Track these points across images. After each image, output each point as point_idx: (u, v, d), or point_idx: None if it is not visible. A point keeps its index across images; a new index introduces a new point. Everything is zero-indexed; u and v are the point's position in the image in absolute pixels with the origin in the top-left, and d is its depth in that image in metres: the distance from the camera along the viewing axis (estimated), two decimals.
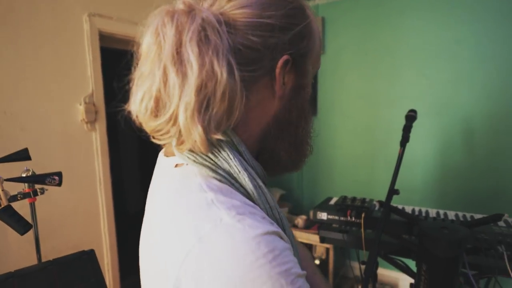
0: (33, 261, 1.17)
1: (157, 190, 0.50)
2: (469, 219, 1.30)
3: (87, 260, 1.05)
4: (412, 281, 1.21)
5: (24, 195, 1.02)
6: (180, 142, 0.43)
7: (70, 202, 1.90)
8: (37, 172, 1.08)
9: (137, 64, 0.44)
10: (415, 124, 1.37)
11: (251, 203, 0.42)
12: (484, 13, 1.99)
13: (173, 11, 0.40)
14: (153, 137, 0.45)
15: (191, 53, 0.38)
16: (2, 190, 0.85)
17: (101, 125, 2.08)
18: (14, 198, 0.96)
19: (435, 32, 2.15)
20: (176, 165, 0.48)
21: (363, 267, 1.17)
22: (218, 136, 0.42)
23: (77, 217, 1.96)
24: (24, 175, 1.03)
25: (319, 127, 2.72)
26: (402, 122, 1.37)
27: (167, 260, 0.39)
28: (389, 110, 2.36)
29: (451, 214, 1.34)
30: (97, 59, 2.06)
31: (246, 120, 0.46)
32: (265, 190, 0.45)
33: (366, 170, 2.52)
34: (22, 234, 0.80)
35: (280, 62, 0.45)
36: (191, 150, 0.44)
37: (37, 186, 1.07)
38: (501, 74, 1.98)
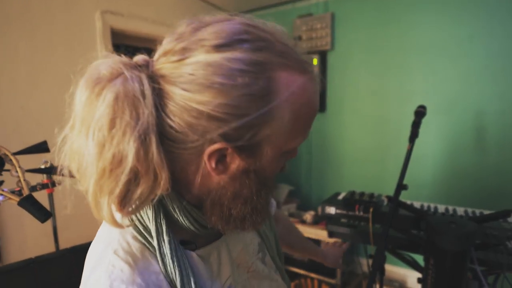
0: (49, 250, 1.21)
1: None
2: (478, 215, 1.30)
3: None
4: (420, 276, 1.22)
5: (43, 186, 1.06)
6: None
7: (83, 194, 1.94)
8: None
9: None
10: (425, 120, 1.37)
11: (152, 270, 0.44)
12: (496, 9, 1.96)
13: (92, 80, 0.38)
14: None
15: (94, 132, 0.37)
16: (24, 180, 0.89)
17: None
18: (33, 189, 1.00)
19: (446, 28, 2.12)
20: None
21: (370, 261, 1.19)
22: (132, 214, 0.44)
23: (90, 209, 2.01)
24: (43, 166, 1.07)
25: (328, 122, 2.72)
26: (412, 118, 1.37)
27: None
28: (399, 106, 2.35)
29: (460, 210, 1.34)
30: None
31: (185, 179, 0.45)
32: (170, 261, 0.44)
33: (375, 166, 2.52)
34: (42, 222, 0.84)
35: (208, 150, 0.40)
36: None
37: (54, 178, 1.11)
38: (511, 70, 1.95)
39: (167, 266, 0.44)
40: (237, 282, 0.55)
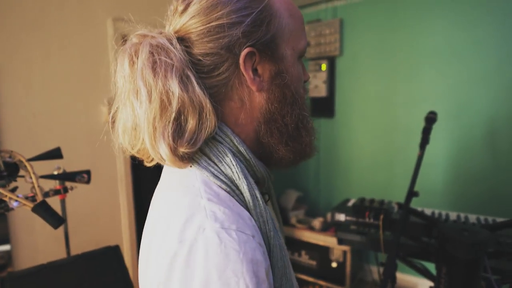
0: (59, 256, 1.23)
1: (160, 188, 0.53)
2: (491, 222, 1.28)
3: (112, 255, 1.10)
4: (432, 284, 1.20)
5: (56, 192, 1.08)
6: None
7: (92, 200, 1.97)
8: None
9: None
10: (435, 125, 1.36)
11: (245, 215, 0.43)
12: (504, 14, 1.94)
13: (126, 48, 0.45)
14: (145, 161, 0.50)
15: (141, 82, 0.42)
16: (38, 186, 0.90)
17: None
18: (46, 195, 1.02)
19: (455, 33, 2.11)
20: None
21: (381, 269, 1.17)
22: (194, 148, 0.44)
23: (99, 214, 2.04)
24: (55, 172, 1.09)
25: (337, 128, 2.71)
26: (421, 123, 1.36)
27: (158, 258, 0.42)
28: (408, 112, 2.33)
29: (472, 217, 1.32)
30: None
31: (237, 122, 0.49)
32: (260, 202, 0.45)
33: (384, 172, 2.49)
34: (56, 228, 0.85)
35: (241, 57, 0.45)
36: (202, 154, 0.47)
37: (67, 184, 1.13)
38: None
39: (257, 208, 0.45)
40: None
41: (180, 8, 0.47)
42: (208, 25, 0.45)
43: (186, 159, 0.45)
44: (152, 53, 0.43)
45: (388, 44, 2.38)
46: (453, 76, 2.15)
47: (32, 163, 0.99)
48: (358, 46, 2.52)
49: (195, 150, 0.45)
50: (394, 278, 1.16)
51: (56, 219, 0.86)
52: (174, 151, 0.43)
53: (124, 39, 0.48)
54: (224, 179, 0.45)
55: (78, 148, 1.93)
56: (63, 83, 1.85)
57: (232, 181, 0.46)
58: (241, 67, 0.46)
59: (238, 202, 0.45)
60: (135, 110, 0.44)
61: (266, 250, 0.43)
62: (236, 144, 0.48)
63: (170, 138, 0.42)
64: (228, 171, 0.46)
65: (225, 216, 0.41)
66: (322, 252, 2.39)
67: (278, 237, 0.46)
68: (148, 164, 0.50)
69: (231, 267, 0.37)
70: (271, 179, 0.54)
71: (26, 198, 0.88)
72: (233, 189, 0.45)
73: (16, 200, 0.86)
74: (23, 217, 1.68)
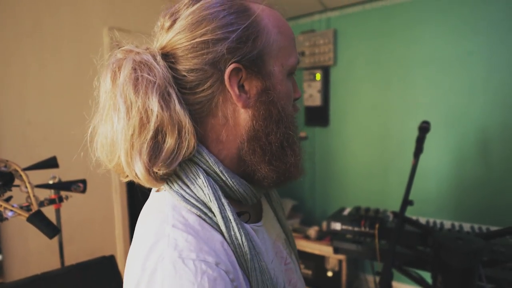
0: (53, 266, 1.21)
1: (143, 208, 0.52)
2: (484, 231, 1.29)
3: (107, 264, 1.09)
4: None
5: (51, 201, 1.07)
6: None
7: (87, 209, 1.95)
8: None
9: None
10: (429, 134, 1.38)
11: (216, 239, 0.42)
12: (496, 24, 1.99)
13: (110, 63, 0.45)
14: (120, 177, 0.49)
15: (119, 98, 0.42)
16: (33, 196, 0.90)
17: None
18: (41, 204, 1.01)
19: (448, 43, 2.16)
20: (158, 190, 0.50)
21: (377, 278, 1.18)
22: (170, 169, 0.43)
23: (94, 224, 2.02)
24: (51, 182, 1.08)
25: (332, 137, 2.74)
26: (415, 132, 1.38)
27: (127, 282, 0.43)
28: (402, 121, 2.36)
29: (466, 226, 1.33)
30: None
31: (219, 138, 0.48)
32: (233, 224, 0.44)
33: (379, 180, 2.51)
34: (51, 238, 0.84)
35: (227, 73, 0.45)
36: (175, 177, 0.46)
37: (62, 193, 1.12)
38: None
39: (230, 231, 0.43)
40: (278, 269, 0.54)
41: (167, 24, 0.47)
42: (193, 41, 0.45)
43: (162, 180, 0.45)
44: (135, 69, 0.43)
45: (381, 54, 2.42)
46: (445, 85, 2.19)
47: (28, 172, 0.98)
48: (351, 56, 2.56)
49: (171, 171, 0.44)
50: (390, 287, 1.17)
51: (51, 229, 0.85)
52: (149, 170, 0.42)
53: (109, 54, 0.48)
54: (195, 202, 0.44)
55: (73, 157, 1.92)
56: (58, 91, 1.85)
57: (204, 204, 0.44)
58: (226, 83, 0.45)
59: (211, 225, 0.44)
60: (113, 126, 0.43)
61: (244, 271, 0.43)
62: (212, 164, 0.46)
63: (146, 157, 0.42)
64: (200, 193, 0.45)
65: (187, 244, 0.40)
66: (318, 261, 2.38)
67: (258, 259, 0.44)
68: (123, 180, 0.48)
69: None
70: (257, 197, 0.52)
71: (21, 207, 0.87)
72: (205, 212, 0.44)
73: (11, 210, 0.85)
74: (16, 227, 1.65)
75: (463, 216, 2.15)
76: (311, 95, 2.68)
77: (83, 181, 1.09)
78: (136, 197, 2.40)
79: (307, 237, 2.47)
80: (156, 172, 0.43)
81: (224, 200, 0.45)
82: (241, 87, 0.47)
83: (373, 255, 1.33)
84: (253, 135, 0.48)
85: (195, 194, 0.45)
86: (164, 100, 0.43)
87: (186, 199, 0.45)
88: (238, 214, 0.47)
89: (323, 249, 2.34)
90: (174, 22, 0.47)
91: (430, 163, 2.25)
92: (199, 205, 0.44)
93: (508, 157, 2.02)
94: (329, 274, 2.34)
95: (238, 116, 0.48)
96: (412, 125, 1.49)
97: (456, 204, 2.21)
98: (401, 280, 2.39)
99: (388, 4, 2.36)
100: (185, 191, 0.45)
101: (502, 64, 2.00)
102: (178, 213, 0.44)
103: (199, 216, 0.44)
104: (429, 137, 1.35)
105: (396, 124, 2.41)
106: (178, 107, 0.43)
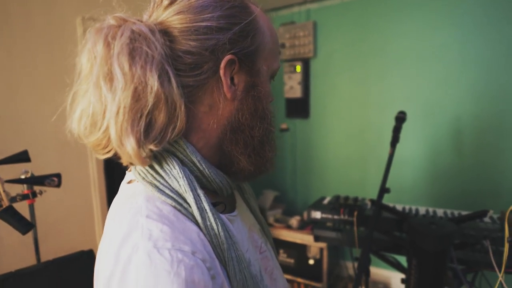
0: (29, 263, 1.18)
1: (114, 201, 0.50)
2: (456, 216, 1.35)
3: (86, 259, 1.07)
4: (403, 276, 1.25)
5: (23, 197, 1.03)
6: (124, 159, 0.43)
7: (64, 205, 1.90)
8: None
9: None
10: (405, 125, 1.42)
11: (191, 230, 0.42)
12: (466, 19, 2.06)
13: (102, 28, 0.42)
14: (96, 152, 0.46)
15: (117, 67, 0.40)
16: (4, 191, 0.86)
17: None
18: (13, 200, 0.97)
19: (422, 36, 2.21)
20: (129, 182, 0.49)
21: (356, 264, 1.21)
22: (159, 146, 0.42)
23: (72, 219, 1.97)
24: (23, 176, 1.04)
25: (312, 129, 2.77)
26: (393, 123, 1.42)
27: (99, 277, 0.41)
28: (380, 112, 2.42)
29: (439, 212, 1.39)
30: None
31: (200, 126, 0.48)
32: (208, 214, 0.43)
33: (358, 170, 2.57)
34: (24, 233, 0.82)
35: (223, 62, 0.45)
36: (150, 167, 0.45)
37: (35, 188, 1.08)
38: (485, 76, 2.05)
39: (206, 221, 0.43)
40: (253, 258, 0.54)
41: (166, 2, 0.46)
42: (195, 24, 0.44)
43: (150, 156, 0.43)
44: (132, 39, 0.40)
45: (360, 46, 2.46)
46: (420, 77, 2.25)
47: None
48: (331, 48, 2.58)
49: (159, 149, 0.43)
50: (368, 272, 1.21)
51: (23, 225, 0.83)
52: (140, 146, 0.41)
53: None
54: (170, 193, 0.44)
55: (47, 151, 1.85)
56: (29, 84, 1.77)
57: (180, 195, 0.44)
58: (221, 71, 0.46)
59: (186, 216, 0.43)
60: (102, 96, 0.40)
61: (221, 261, 0.43)
62: (189, 153, 0.46)
63: (140, 131, 0.40)
64: (175, 184, 0.44)
65: (162, 234, 0.39)
66: (300, 250, 2.43)
67: (234, 248, 0.45)
68: (101, 157, 0.45)
69: None
70: (232, 187, 0.53)
71: None
72: (180, 203, 0.43)
73: None
74: None
75: (437, 202, 2.24)
76: (292, 87, 2.70)
77: (58, 175, 1.06)
78: (115, 193, 2.36)
79: (289, 227, 2.51)
80: (146, 149, 0.42)
81: (200, 191, 0.44)
82: (231, 79, 0.47)
83: (352, 242, 1.37)
84: (236, 127, 0.48)
85: (170, 185, 0.44)
86: (162, 76, 0.41)
87: (161, 189, 0.44)
88: (214, 205, 0.46)
89: (304, 238, 2.39)
90: (174, 0, 0.46)
91: (407, 153, 2.32)
92: (174, 196, 0.44)
93: (480, 146, 2.11)
94: (311, 262, 2.39)
95: (224, 107, 0.48)
96: (390, 116, 1.52)
97: (431, 191, 2.30)
98: (379, 266, 2.48)
99: None
100: (159, 181, 0.44)
101: (474, 56, 2.07)
102: (152, 204, 0.43)
103: (174, 207, 0.43)
104: (405, 127, 1.39)
105: (374, 115, 2.46)
106: (175, 86, 0.42)
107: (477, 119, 2.10)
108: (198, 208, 0.43)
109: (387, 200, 1.33)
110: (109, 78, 0.40)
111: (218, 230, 0.43)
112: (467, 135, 2.14)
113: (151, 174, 0.45)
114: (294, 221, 2.51)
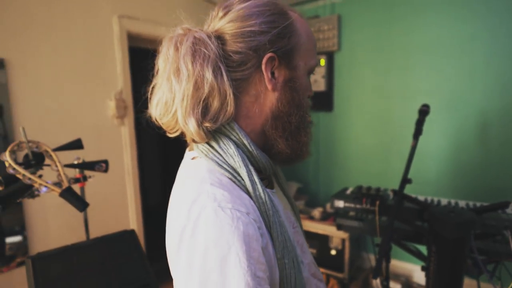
0: (72, 242, 1.31)
1: (178, 178, 0.61)
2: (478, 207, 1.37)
3: (129, 238, 1.19)
4: (424, 264, 1.30)
5: (76, 180, 1.17)
6: (188, 136, 0.55)
7: (100, 192, 2.04)
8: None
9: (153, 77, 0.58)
10: (429, 117, 1.44)
11: (244, 197, 0.52)
12: (497, 8, 2.02)
13: (173, 37, 0.54)
14: (168, 132, 0.58)
15: (183, 65, 0.52)
16: (64, 174, 0.99)
17: (130, 119, 2.23)
18: (68, 182, 1.10)
19: (449, 27, 2.19)
20: (193, 158, 0.60)
21: (377, 250, 1.27)
22: (214, 126, 0.53)
23: (108, 205, 2.13)
24: (76, 162, 1.17)
25: (336, 121, 2.80)
26: (416, 115, 1.45)
27: (173, 232, 0.52)
28: (403, 104, 2.42)
29: (461, 203, 1.42)
30: (126, 58, 2.20)
31: (248, 114, 0.58)
32: (258, 186, 0.53)
33: (381, 162, 2.59)
34: (81, 211, 0.94)
35: (264, 59, 0.55)
36: (210, 146, 0.56)
37: (86, 172, 1.21)
38: None
39: (256, 191, 0.53)
40: (289, 230, 0.62)
41: (221, 14, 0.57)
42: (242, 29, 0.54)
43: (207, 133, 0.54)
44: (194, 43, 0.53)
45: (384, 40, 2.46)
46: (445, 70, 2.24)
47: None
48: (355, 42, 2.60)
49: (215, 127, 0.54)
50: (388, 257, 1.27)
51: (81, 203, 0.95)
52: (199, 125, 0.52)
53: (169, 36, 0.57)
54: (227, 167, 0.54)
55: (86, 142, 2.00)
56: (71, 79, 1.92)
57: (235, 169, 0.54)
58: (263, 66, 0.55)
59: (239, 187, 0.53)
60: (172, 87, 0.53)
61: (266, 225, 0.52)
62: (241, 137, 0.56)
63: (198, 113, 0.52)
64: (231, 161, 0.54)
65: (223, 197, 0.49)
66: (322, 241, 2.49)
67: (277, 215, 0.54)
68: (171, 135, 0.58)
69: (225, 237, 0.45)
70: (273, 168, 0.62)
71: (54, 184, 0.96)
72: (235, 176, 0.54)
73: (45, 186, 0.94)
74: (37, 209, 1.77)
75: (461, 195, 2.23)
76: (316, 80, 2.74)
77: (105, 161, 1.18)
78: (143, 182, 2.51)
79: (311, 218, 2.58)
80: (204, 127, 0.53)
81: (250, 167, 0.54)
82: (272, 73, 0.56)
83: (374, 231, 1.42)
84: (276, 114, 0.58)
85: (227, 161, 0.55)
86: (215, 72, 0.52)
87: (220, 164, 0.54)
88: (260, 180, 0.56)
89: (326, 229, 2.45)
90: (227, 12, 0.56)
91: (431, 145, 2.32)
92: (231, 170, 0.54)
93: (506, 141, 2.08)
94: (333, 252, 2.45)
95: (266, 97, 0.57)
96: (413, 109, 1.55)
97: (454, 184, 2.29)
98: (402, 259, 2.51)
99: None
100: (218, 158, 0.55)
101: (502, 49, 2.04)
102: (214, 175, 0.53)
103: (230, 179, 0.53)
104: (430, 120, 1.40)
105: (397, 108, 2.47)
106: (225, 78, 0.53)
107: (504, 113, 2.07)
108: (250, 180, 0.53)
109: (411, 192, 1.37)
110: (177, 73, 0.52)
111: (265, 199, 0.53)
112: (493, 129, 2.12)
113: (212, 152, 0.55)
114: (317, 212, 2.57)
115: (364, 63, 2.58)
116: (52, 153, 1.01)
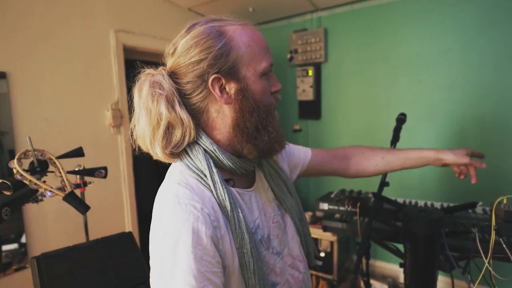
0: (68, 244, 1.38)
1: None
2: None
3: (127, 239, 1.27)
4: (402, 261, 1.40)
5: (76, 186, 1.25)
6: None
7: (98, 198, 2.11)
8: None
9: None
10: (412, 126, 1.55)
11: (205, 195, 0.63)
12: (468, 24, 2.17)
13: (136, 84, 0.66)
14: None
15: (142, 106, 0.64)
16: (67, 179, 1.07)
17: (125, 128, 2.32)
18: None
19: (428, 41, 2.33)
20: (175, 161, 0.71)
21: (357, 247, 1.36)
22: (178, 151, 0.65)
23: (105, 210, 2.20)
24: (77, 169, 1.25)
25: (323, 129, 2.92)
26: None
27: (152, 219, 0.64)
28: (387, 113, 2.55)
29: (437, 204, 1.53)
30: (122, 70, 2.30)
31: (215, 126, 0.68)
32: (218, 185, 0.64)
33: None
34: (83, 213, 1.02)
35: (209, 82, 0.64)
36: (185, 153, 0.67)
37: (86, 178, 1.30)
38: (487, 79, 2.15)
39: (217, 190, 0.63)
40: (264, 225, 0.73)
41: (171, 51, 0.68)
42: (187, 62, 0.64)
43: (173, 156, 0.67)
44: (152, 85, 0.64)
45: (369, 52, 2.60)
46: (427, 80, 2.37)
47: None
48: (341, 53, 2.73)
49: (180, 151, 0.66)
50: (368, 255, 1.37)
51: (83, 206, 1.03)
52: (164, 152, 0.65)
53: (138, 72, 0.69)
54: (195, 170, 0.65)
55: (85, 150, 2.07)
56: (71, 90, 2.01)
57: (202, 171, 0.65)
58: (210, 88, 0.64)
59: (205, 186, 0.64)
60: (143, 124, 0.65)
61: (227, 218, 0.63)
62: (208, 144, 0.67)
63: (161, 143, 0.64)
64: (199, 164, 0.65)
65: (184, 194, 0.61)
66: None
67: (237, 211, 0.64)
68: (154, 157, 0.70)
69: (178, 226, 0.57)
70: (246, 168, 0.71)
71: (58, 189, 1.05)
72: (201, 177, 0.65)
73: (50, 191, 1.03)
74: (36, 215, 1.83)
75: (443, 198, 2.35)
76: (304, 90, 2.86)
77: (105, 168, 1.27)
78: (141, 187, 2.58)
79: None
80: (169, 152, 0.65)
81: (214, 169, 0.65)
82: (223, 89, 0.65)
83: (356, 232, 1.52)
84: (235, 123, 0.66)
85: (196, 165, 0.66)
86: (170, 105, 0.63)
87: (189, 167, 0.66)
88: (226, 180, 0.68)
89: (316, 232, 2.54)
90: (175, 49, 0.67)
91: None
92: (198, 172, 0.65)
93: (483, 146, 2.21)
94: (322, 255, 2.54)
95: (224, 110, 0.67)
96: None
97: (437, 188, 2.41)
98: (388, 260, 2.61)
99: (374, 4, 2.53)
100: (189, 162, 0.67)
101: (474, 62, 2.18)
102: (183, 176, 0.65)
103: (197, 179, 0.65)
104: (412, 128, 1.51)
105: (382, 117, 2.59)
106: (179, 109, 0.64)
107: (480, 120, 2.20)
108: (211, 180, 0.64)
109: (396, 195, 1.45)
110: (144, 113, 0.64)
111: (224, 196, 0.63)
112: (470, 136, 2.25)
113: (185, 157, 0.67)
114: (307, 216, 2.66)
115: (350, 74, 2.71)
116: (56, 161, 1.10)
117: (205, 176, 0.65)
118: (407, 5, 2.39)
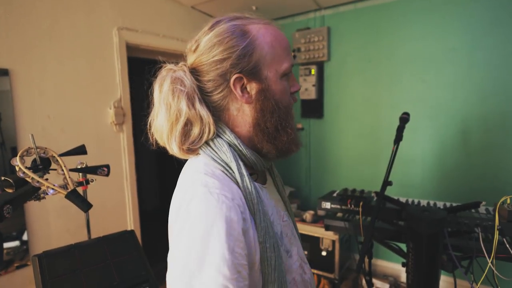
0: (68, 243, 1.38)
1: (182, 171, 0.72)
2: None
3: (129, 237, 1.27)
4: (404, 260, 1.40)
5: (79, 183, 1.25)
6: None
7: (100, 196, 2.12)
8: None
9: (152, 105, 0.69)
10: (414, 125, 1.54)
11: (232, 186, 0.61)
12: (474, 23, 2.16)
13: (158, 79, 0.66)
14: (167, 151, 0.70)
15: (162, 102, 0.64)
16: (69, 177, 1.07)
17: (128, 126, 2.32)
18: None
19: (432, 40, 2.32)
20: (196, 155, 0.71)
21: (360, 246, 1.36)
22: (196, 147, 0.65)
23: (107, 208, 2.20)
24: (79, 166, 1.25)
25: (326, 128, 2.91)
26: None
27: (173, 211, 0.63)
28: (391, 113, 2.54)
29: (440, 204, 1.52)
30: (125, 68, 2.30)
31: (236, 124, 0.68)
32: (245, 177, 0.63)
33: (369, 167, 2.70)
34: (85, 211, 1.02)
35: (231, 82, 0.64)
36: (207, 146, 0.66)
37: (88, 176, 1.30)
38: (492, 79, 2.14)
39: (244, 183, 0.62)
40: (277, 222, 0.72)
41: (193, 47, 0.68)
42: (208, 61, 0.65)
43: (190, 152, 0.67)
44: (173, 81, 0.64)
45: (372, 51, 2.59)
46: (430, 79, 2.36)
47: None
48: (344, 52, 2.72)
49: (198, 147, 0.66)
50: (370, 254, 1.36)
51: (85, 204, 1.03)
52: (180, 148, 0.65)
53: (159, 66, 0.69)
54: (220, 162, 0.64)
55: (87, 147, 2.08)
56: (73, 87, 2.01)
57: (226, 164, 0.64)
58: (232, 88, 0.65)
59: (230, 178, 0.63)
60: (161, 119, 0.65)
61: (251, 212, 0.62)
62: (232, 139, 0.66)
63: (178, 139, 0.64)
64: (224, 157, 0.64)
65: (213, 184, 0.60)
66: (313, 242, 2.58)
67: (262, 205, 0.63)
68: (170, 153, 0.69)
69: (210, 215, 0.55)
70: (265, 166, 0.72)
71: (60, 186, 1.05)
72: (226, 169, 0.63)
73: (52, 189, 1.03)
74: (38, 213, 1.84)
75: (445, 198, 2.34)
76: (307, 89, 2.85)
77: (107, 166, 1.27)
78: (143, 185, 2.59)
79: (303, 220, 2.67)
80: (186, 149, 0.65)
81: (240, 162, 0.64)
82: (244, 89, 0.66)
83: (358, 231, 1.52)
84: (255, 123, 0.67)
85: (220, 157, 0.65)
86: (190, 102, 0.63)
87: (215, 159, 0.65)
88: (250, 174, 0.66)
89: (317, 231, 2.54)
90: (197, 46, 0.67)
91: (416, 151, 2.43)
92: (223, 164, 0.64)
93: (486, 145, 2.20)
94: (323, 253, 2.54)
95: (244, 109, 0.67)
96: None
97: (439, 187, 2.40)
98: (389, 259, 2.60)
99: (378, 3, 2.51)
100: (214, 154, 0.65)
101: (479, 61, 2.17)
102: (208, 167, 0.64)
103: (223, 171, 0.63)
104: (415, 128, 1.50)
105: (385, 116, 2.58)
106: (199, 106, 0.64)
107: (483, 120, 2.19)
108: (239, 173, 0.63)
109: (398, 194, 1.45)
110: (163, 108, 0.64)
111: (251, 189, 0.62)
112: (474, 135, 2.24)
113: (209, 150, 0.66)
114: (308, 215, 2.66)
115: (352, 72, 2.70)
116: (59, 158, 1.10)
117: (230, 168, 0.64)
118: (411, 3, 2.38)
